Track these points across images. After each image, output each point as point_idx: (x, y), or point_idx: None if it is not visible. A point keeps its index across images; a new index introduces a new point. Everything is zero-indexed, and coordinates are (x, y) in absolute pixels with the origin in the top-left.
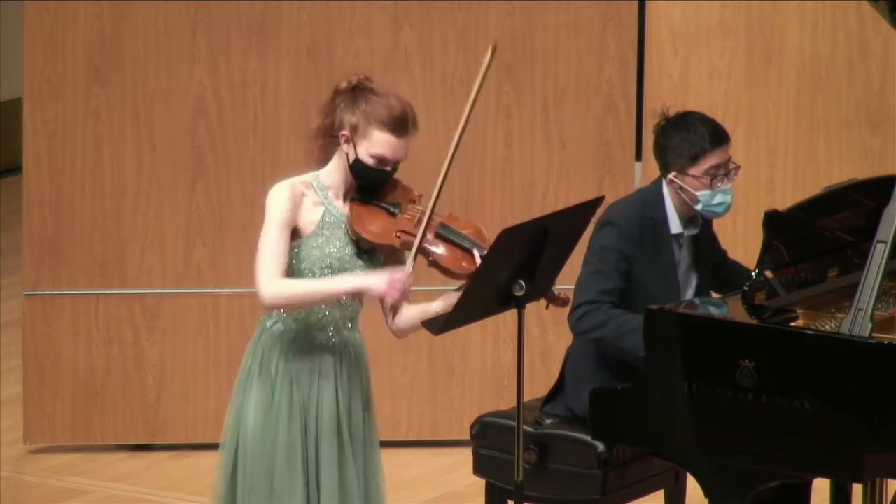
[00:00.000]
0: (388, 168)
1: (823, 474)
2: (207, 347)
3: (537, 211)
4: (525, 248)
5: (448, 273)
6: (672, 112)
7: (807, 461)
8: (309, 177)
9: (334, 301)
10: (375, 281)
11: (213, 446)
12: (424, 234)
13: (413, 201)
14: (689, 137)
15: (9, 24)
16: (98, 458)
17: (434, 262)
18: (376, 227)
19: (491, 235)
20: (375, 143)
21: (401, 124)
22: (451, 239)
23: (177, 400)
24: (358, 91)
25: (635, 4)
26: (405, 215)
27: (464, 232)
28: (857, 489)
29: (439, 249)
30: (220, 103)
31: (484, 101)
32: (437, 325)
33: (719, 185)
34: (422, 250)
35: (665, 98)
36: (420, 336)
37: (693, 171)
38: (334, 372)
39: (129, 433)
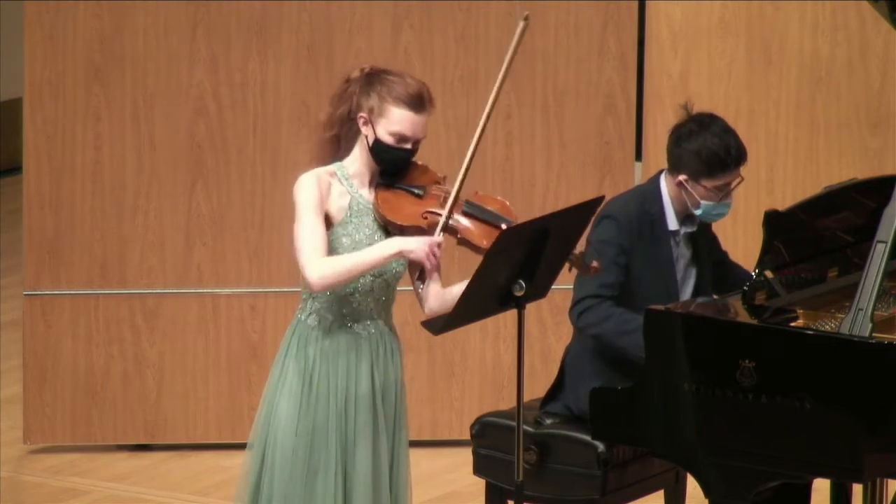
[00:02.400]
0: (409, 146)
1: (823, 474)
2: (207, 347)
3: (537, 211)
4: (525, 248)
5: (477, 249)
6: (695, 110)
7: (807, 461)
8: (333, 167)
9: (365, 288)
10: (414, 242)
11: (214, 446)
12: (451, 212)
13: (437, 182)
14: (713, 150)
15: (9, 24)
16: (98, 458)
17: (463, 240)
18: (403, 209)
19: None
20: (393, 121)
21: (418, 100)
22: (478, 215)
23: (177, 400)
24: (372, 75)
25: (635, 4)
26: (430, 196)
27: (490, 208)
28: (857, 489)
29: (467, 225)
30: (220, 103)
31: (484, 101)
32: (437, 325)
33: (726, 199)
34: (449, 228)
35: (665, 98)
36: (420, 336)
37: (706, 182)
38: (370, 355)
39: (129, 433)
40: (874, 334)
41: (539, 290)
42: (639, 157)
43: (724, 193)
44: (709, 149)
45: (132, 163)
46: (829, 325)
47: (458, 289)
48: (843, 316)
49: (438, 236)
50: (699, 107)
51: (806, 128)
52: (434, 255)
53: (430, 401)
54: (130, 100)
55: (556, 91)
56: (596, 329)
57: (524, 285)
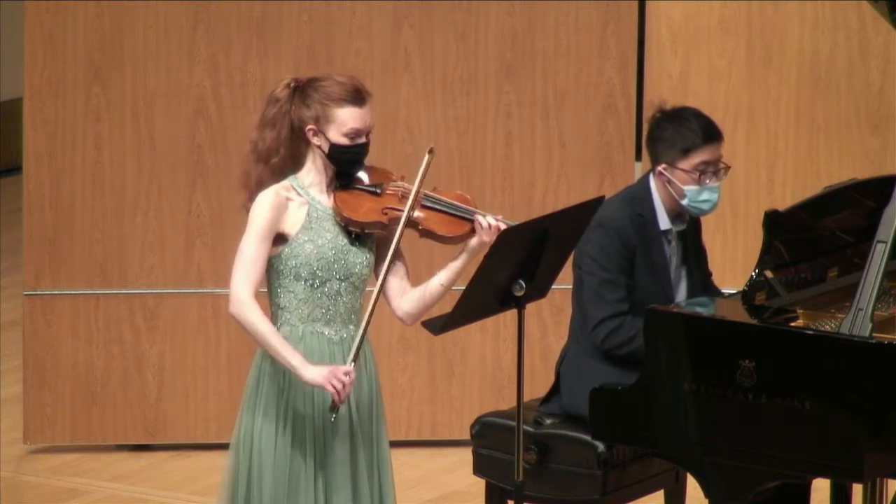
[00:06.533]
0: (363, 140)
1: (823, 474)
2: (207, 347)
3: (537, 211)
4: (525, 248)
5: (440, 239)
6: (669, 106)
7: (807, 461)
8: (288, 180)
9: (332, 291)
10: (313, 372)
11: (214, 446)
12: (412, 207)
13: (393, 181)
14: (682, 131)
15: (9, 24)
16: (98, 458)
17: (425, 231)
18: (363, 208)
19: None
20: (343, 121)
21: (357, 94)
22: (438, 207)
23: (177, 400)
24: (301, 88)
25: (635, 4)
26: (388, 194)
27: (449, 200)
28: (857, 489)
29: (428, 217)
30: (220, 103)
31: (484, 101)
32: (438, 325)
33: (707, 182)
34: (410, 222)
35: (665, 98)
36: (420, 336)
37: (683, 164)
38: (343, 361)
39: (129, 433)
40: (874, 334)
41: (539, 290)
42: (639, 157)
43: (704, 175)
44: (679, 131)
45: (132, 163)
46: (829, 325)
47: (419, 288)
48: (843, 316)
49: (343, 367)
50: (698, 107)
51: (806, 128)
52: (336, 382)
53: (430, 401)
54: (130, 100)
55: (556, 91)
56: (625, 349)
57: (524, 285)
